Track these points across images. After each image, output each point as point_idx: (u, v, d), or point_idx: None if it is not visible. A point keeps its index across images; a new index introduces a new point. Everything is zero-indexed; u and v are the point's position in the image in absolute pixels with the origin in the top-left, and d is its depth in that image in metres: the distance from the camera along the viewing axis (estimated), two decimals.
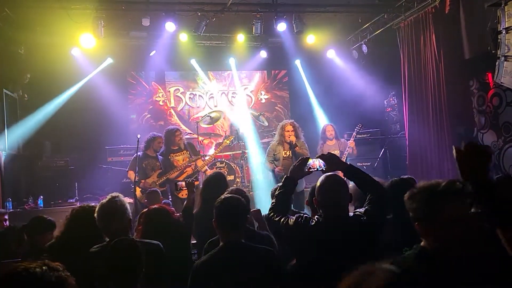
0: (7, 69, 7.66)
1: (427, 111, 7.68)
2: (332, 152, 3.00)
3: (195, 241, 4.16)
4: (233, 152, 8.55)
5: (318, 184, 2.67)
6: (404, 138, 8.44)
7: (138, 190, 6.75)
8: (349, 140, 7.40)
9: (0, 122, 7.43)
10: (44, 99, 8.70)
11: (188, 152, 7.18)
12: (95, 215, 2.98)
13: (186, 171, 7.05)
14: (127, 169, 7.20)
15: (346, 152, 7.15)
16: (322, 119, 9.83)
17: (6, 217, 5.07)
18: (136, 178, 6.74)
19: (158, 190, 6.06)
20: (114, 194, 3.03)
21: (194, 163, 7.10)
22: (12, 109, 8.19)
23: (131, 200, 6.17)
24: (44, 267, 1.37)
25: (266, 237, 3.22)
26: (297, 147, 6.68)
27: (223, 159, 8.38)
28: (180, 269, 3.18)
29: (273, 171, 6.85)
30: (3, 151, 7.41)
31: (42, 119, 8.47)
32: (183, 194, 6.33)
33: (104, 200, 2.98)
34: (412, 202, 1.85)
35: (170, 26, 7.95)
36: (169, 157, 7.08)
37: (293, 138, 6.69)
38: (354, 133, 7.50)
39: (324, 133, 7.44)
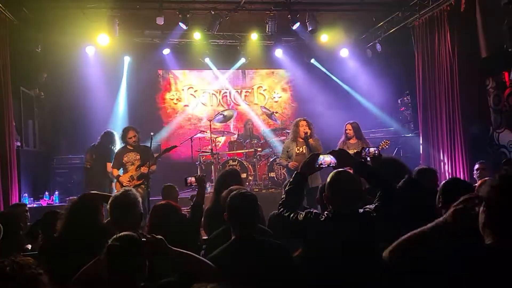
0: (24, 67, 7.79)
1: (441, 110, 7.61)
2: (343, 148, 3.00)
3: (206, 237, 4.17)
4: (246, 151, 8.57)
5: (328, 180, 2.67)
6: (417, 137, 8.38)
7: (118, 185, 6.58)
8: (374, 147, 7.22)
9: (17, 120, 7.56)
10: (59, 97, 8.85)
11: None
12: (108, 207, 3.01)
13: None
14: (111, 167, 6.83)
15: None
16: (335, 117, 9.78)
17: (27, 208, 5.13)
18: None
19: (173, 184, 5.72)
20: (127, 187, 3.06)
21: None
22: (28, 106, 8.34)
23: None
24: (14, 265, 1.35)
25: (267, 232, 3.22)
26: (311, 139, 6.66)
27: (236, 157, 8.40)
28: None
29: (287, 166, 6.83)
30: (20, 148, 7.54)
31: (57, 117, 8.61)
32: None
33: (117, 193, 3.02)
34: None
35: (183, 24, 8.01)
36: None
37: (308, 130, 6.66)
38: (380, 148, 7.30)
39: (345, 131, 7.37)
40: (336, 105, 10.16)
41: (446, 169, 7.44)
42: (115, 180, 6.66)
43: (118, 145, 7.08)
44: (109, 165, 6.86)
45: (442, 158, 7.59)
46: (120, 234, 2.39)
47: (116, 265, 2.27)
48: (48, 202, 7.54)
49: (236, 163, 8.23)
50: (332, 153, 2.89)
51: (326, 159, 2.90)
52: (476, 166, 6.11)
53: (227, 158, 8.51)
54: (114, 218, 3.00)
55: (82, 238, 2.98)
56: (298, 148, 6.77)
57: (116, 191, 6.49)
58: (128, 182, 6.50)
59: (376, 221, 2.57)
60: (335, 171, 2.70)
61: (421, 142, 8.12)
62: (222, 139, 10.17)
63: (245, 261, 2.50)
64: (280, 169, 8.33)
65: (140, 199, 3.06)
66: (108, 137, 7.37)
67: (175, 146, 6.99)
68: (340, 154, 2.88)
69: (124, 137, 6.75)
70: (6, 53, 6.83)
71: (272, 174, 8.43)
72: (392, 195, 2.69)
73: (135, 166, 6.64)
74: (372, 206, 2.65)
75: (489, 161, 7.18)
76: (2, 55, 6.70)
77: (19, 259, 1.41)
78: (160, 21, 7.85)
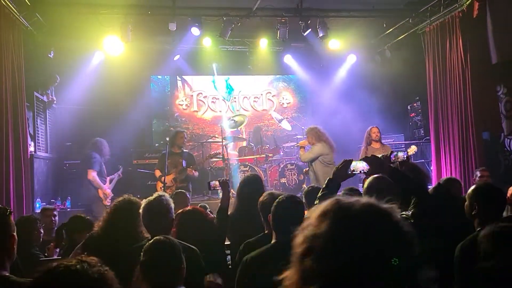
0: (37, 72, 7.81)
1: (453, 116, 7.60)
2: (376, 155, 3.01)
3: (228, 243, 4.16)
4: (257, 156, 8.58)
5: (366, 185, 2.69)
6: (428, 143, 8.39)
7: (159, 185, 7.03)
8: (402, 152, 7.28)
9: (30, 125, 7.57)
10: (71, 103, 8.86)
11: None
12: (140, 211, 3.02)
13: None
14: (154, 169, 7.47)
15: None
16: (344, 123, 9.81)
17: (56, 212, 5.11)
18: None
19: (184, 191, 5.97)
20: (160, 192, 3.07)
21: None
22: (41, 111, 8.36)
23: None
24: (84, 264, 1.37)
25: None
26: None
27: (247, 163, 8.41)
28: (214, 272, 3.19)
29: None
30: (33, 153, 7.54)
31: (68, 122, 8.62)
32: None
33: (151, 198, 3.02)
34: None
35: (195, 30, 8.05)
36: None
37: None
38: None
39: (369, 135, 7.39)
40: (344, 110, 10.18)
41: (458, 175, 7.42)
42: (157, 180, 7.23)
43: (105, 153, 7.34)
44: (90, 172, 6.99)
45: (453, 164, 7.58)
46: (157, 237, 2.41)
47: (153, 268, 2.29)
48: (61, 207, 7.54)
49: (247, 168, 8.24)
50: (365, 159, 2.91)
51: (359, 165, 2.91)
52: (478, 174, 6.10)
53: (238, 163, 8.51)
54: (147, 223, 3.01)
55: (116, 242, 2.99)
56: None
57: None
58: (170, 182, 6.96)
59: (414, 227, 2.58)
60: (372, 176, 2.71)
61: (432, 148, 8.12)
62: (231, 144, 10.18)
63: (282, 264, 2.49)
64: (291, 175, 8.35)
65: (172, 204, 3.07)
66: (92, 146, 7.35)
67: (219, 154, 7.49)
68: (373, 161, 2.89)
69: (173, 140, 7.13)
70: (21, 59, 6.84)
71: (284, 180, 8.44)
72: (428, 203, 2.70)
73: (178, 169, 7.04)
74: (408, 213, 2.66)
75: (499, 167, 7.21)
76: (17, 61, 6.71)
77: (84, 258, 1.43)
78: (172, 27, 7.87)
